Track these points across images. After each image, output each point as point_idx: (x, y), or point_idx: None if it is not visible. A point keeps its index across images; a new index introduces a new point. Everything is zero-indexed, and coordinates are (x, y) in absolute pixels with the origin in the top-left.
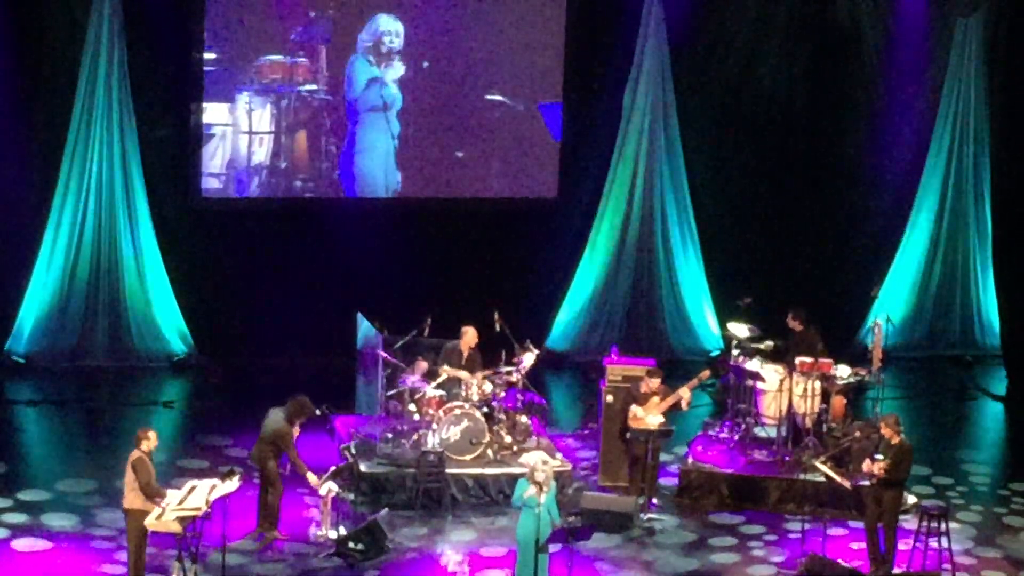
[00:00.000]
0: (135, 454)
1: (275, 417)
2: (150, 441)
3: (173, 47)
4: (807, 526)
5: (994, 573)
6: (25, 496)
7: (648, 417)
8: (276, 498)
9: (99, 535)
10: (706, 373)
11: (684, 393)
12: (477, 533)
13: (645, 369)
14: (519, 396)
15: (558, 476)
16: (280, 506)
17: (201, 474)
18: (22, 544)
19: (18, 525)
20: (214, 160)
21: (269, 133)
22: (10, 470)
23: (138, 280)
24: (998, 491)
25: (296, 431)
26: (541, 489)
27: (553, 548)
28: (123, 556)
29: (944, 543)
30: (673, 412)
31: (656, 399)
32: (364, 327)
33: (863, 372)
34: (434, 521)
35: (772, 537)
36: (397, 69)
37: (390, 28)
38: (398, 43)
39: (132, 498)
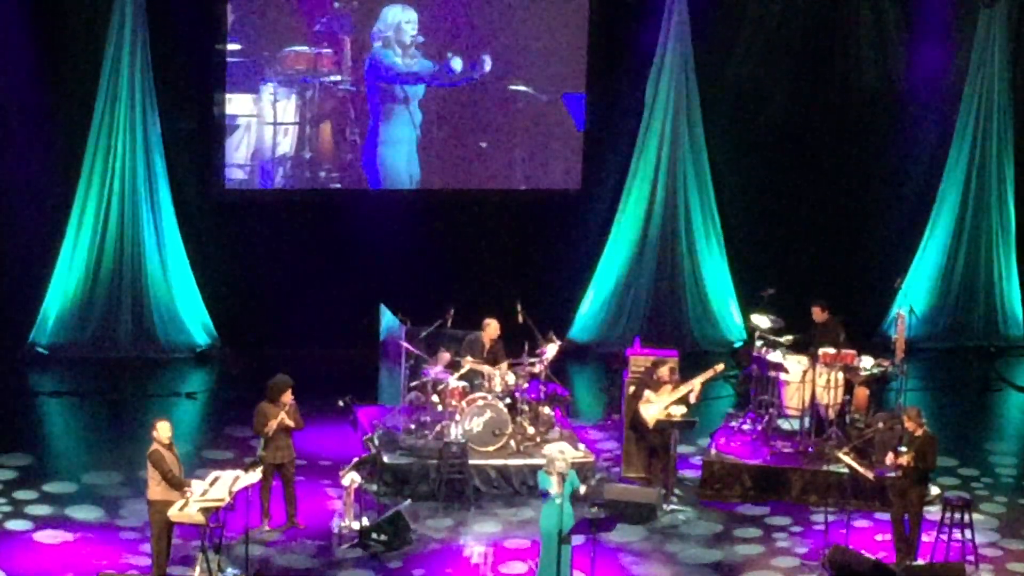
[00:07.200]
0: (151, 447)
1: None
2: (159, 431)
3: (197, 38)
4: (830, 517)
5: (1019, 564)
6: (49, 487)
7: (658, 404)
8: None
9: (123, 526)
10: (720, 367)
11: (695, 385)
12: (500, 524)
13: (653, 359)
14: (542, 387)
15: (581, 467)
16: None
17: (224, 465)
18: (46, 535)
19: (42, 516)
20: (239, 151)
21: (294, 124)
22: (34, 461)
23: (162, 271)
24: (1023, 482)
25: (288, 402)
26: (562, 480)
27: (576, 540)
28: (148, 547)
29: (968, 534)
30: (684, 403)
31: (668, 387)
32: (387, 318)
33: (886, 363)
34: (457, 512)
35: (795, 529)
36: (421, 60)
37: (414, 19)
38: (422, 34)
39: (155, 489)
